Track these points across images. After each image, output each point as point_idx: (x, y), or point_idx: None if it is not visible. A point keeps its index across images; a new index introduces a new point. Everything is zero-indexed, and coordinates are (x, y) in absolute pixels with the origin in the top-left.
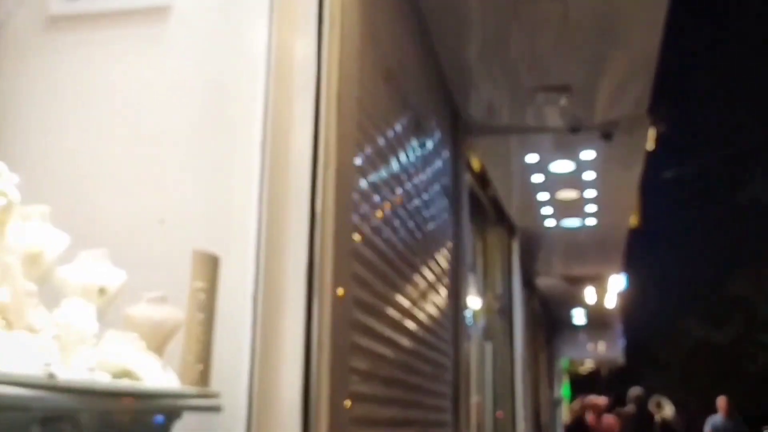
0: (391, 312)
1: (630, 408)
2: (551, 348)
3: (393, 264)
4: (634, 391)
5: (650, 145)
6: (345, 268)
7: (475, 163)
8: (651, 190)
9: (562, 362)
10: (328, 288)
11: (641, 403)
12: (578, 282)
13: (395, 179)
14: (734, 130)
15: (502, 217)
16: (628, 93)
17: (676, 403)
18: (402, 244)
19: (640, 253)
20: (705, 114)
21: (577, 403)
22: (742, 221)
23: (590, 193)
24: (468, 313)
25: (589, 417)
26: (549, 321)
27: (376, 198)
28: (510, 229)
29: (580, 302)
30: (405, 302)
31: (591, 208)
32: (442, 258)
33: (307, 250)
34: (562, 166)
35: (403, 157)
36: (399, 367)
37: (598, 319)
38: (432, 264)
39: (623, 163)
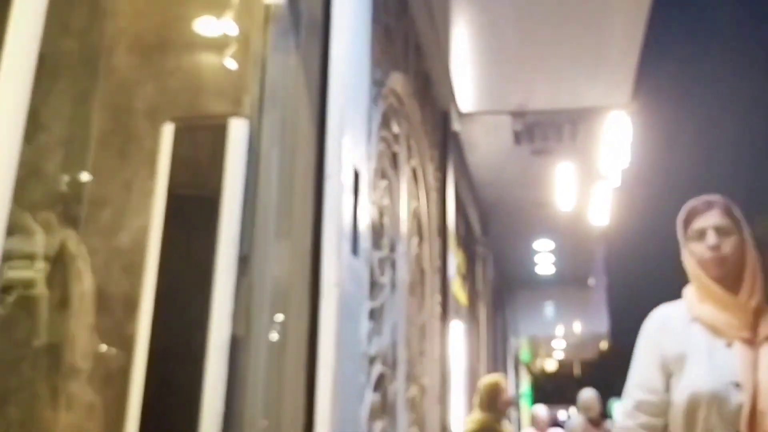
0: None
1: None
2: (502, 319)
3: None
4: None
5: None
6: None
7: None
8: None
9: (521, 352)
10: None
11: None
12: (543, 144)
13: None
14: None
15: None
16: None
17: None
18: None
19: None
20: None
21: None
22: None
23: None
24: None
25: None
26: (498, 271)
27: None
28: None
29: (547, 220)
30: None
31: None
32: None
33: None
34: None
35: None
36: None
37: (574, 260)
38: None
39: None
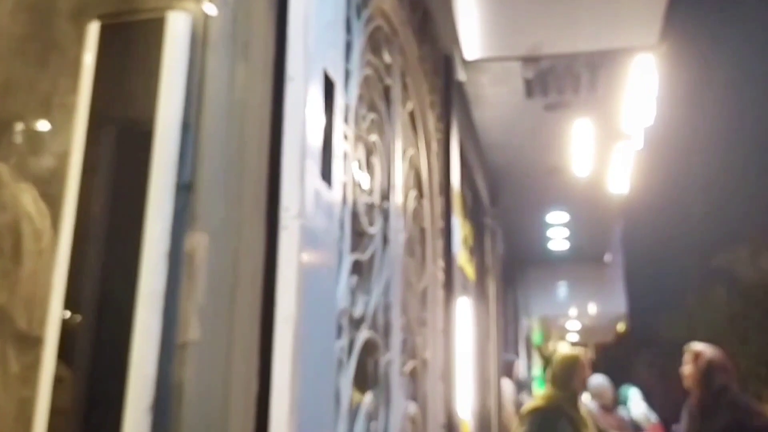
0: None
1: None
2: (513, 298)
3: None
4: (594, 382)
5: None
6: None
7: None
8: None
9: (533, 334)
10: None
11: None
12: (558, 97)
13: None
14: None
15: None
16: None
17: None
18: None
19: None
20: None
21: None
22: None
23: None
24: None
25: None
26: (508, 246)
27: None
28: None
29: (561, 188)
30: None
31: None
32: None
33: None
34: None
35: None
36: None
37: (590, 234)
38: None
39: None
